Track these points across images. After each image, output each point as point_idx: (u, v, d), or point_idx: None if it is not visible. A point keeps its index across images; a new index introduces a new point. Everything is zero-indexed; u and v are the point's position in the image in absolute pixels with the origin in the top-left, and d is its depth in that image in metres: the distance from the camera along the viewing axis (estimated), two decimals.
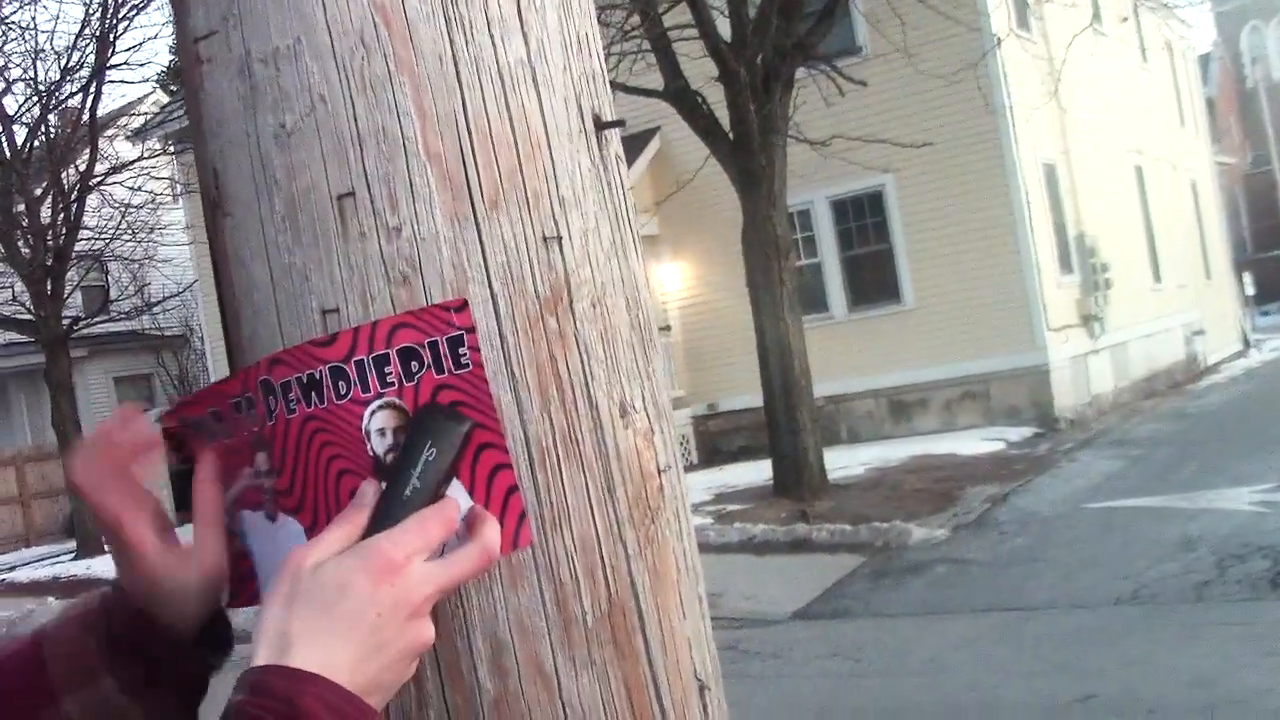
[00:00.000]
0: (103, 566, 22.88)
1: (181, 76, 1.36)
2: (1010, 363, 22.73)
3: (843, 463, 19.83)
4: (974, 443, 21.24)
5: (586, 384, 1.22)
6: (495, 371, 1.17)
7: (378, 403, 1.18)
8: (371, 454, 1.17)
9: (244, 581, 1.34)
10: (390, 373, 1.17)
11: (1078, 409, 23.46)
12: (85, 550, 25.98)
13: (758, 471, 20.23)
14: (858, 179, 22.88)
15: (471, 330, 1.17)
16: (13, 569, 26.57)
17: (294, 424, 1.21)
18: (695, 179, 21.32)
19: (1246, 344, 39.30)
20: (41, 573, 24.60)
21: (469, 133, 1.20)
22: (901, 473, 19.34)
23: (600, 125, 1.32)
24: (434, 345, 1.17)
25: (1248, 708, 7.79)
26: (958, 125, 22.26)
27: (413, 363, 1.17)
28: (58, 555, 27.75)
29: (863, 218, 24.45)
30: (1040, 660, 9.40)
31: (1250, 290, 43.62)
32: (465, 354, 1.16)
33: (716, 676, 1.34)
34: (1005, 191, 22.61)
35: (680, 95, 17.98)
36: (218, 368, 30.50)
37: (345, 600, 1.05)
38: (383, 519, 1.11)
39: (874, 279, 24.34)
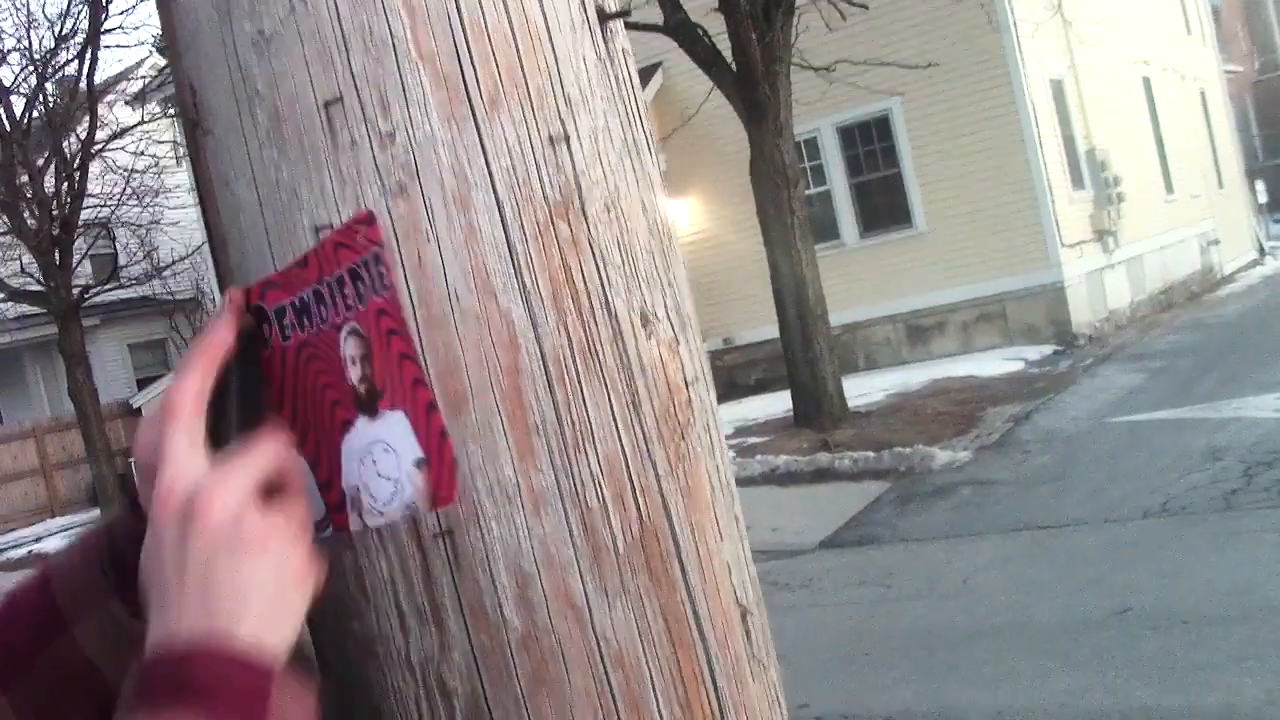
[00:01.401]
0: None
1: None
2: (1026, 281, 22.63)
3: (862, 390, 19.77)
4: (993, 363, 21.16)
5: (604, 293, 1.13)
6: (505, 284, 1.09)
7: (346, 328, 1.10)
8: (349, 382, 1.10)
9: None
10: (349, 295, 1.10)
11: (1095, 324, 23.36)
12: None
13: (777, 403, 20.18)
14: (864, 104, 22.71)
15: (382, 245, 1.08)
16: (39, 540, 26.66)
17: (290, 351, 1.14)
18: (700, 113, 21.18)
19: (1262, 252, 39.13)
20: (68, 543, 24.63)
21: (462, 27, 1.10)
22: (922, 397, 19.28)
23: (604, 17, 1.22)
24: (367, 264, 1.09)
25: None
26: (962, 44, 22.07)
27: (359, 284, 1.09)
28: (82, 525, 27.80)
29: (870, 143, 24.29)
30: (1072, 577, 9.34)
31: (1263, 198, 43.40)
32: (383, 274, 1.09)
33: (758, 600, 1.26)
34: (1013, 109, 22.43)
35: (681, 28, 17.81)
36: None
37: (186, 555, 1.00)
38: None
39: (885, 204, 24.22)
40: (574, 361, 1.11)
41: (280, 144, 1.13)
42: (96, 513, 27.39)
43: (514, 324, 1.09)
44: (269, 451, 1.05)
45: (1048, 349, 22.15)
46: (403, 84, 1.09)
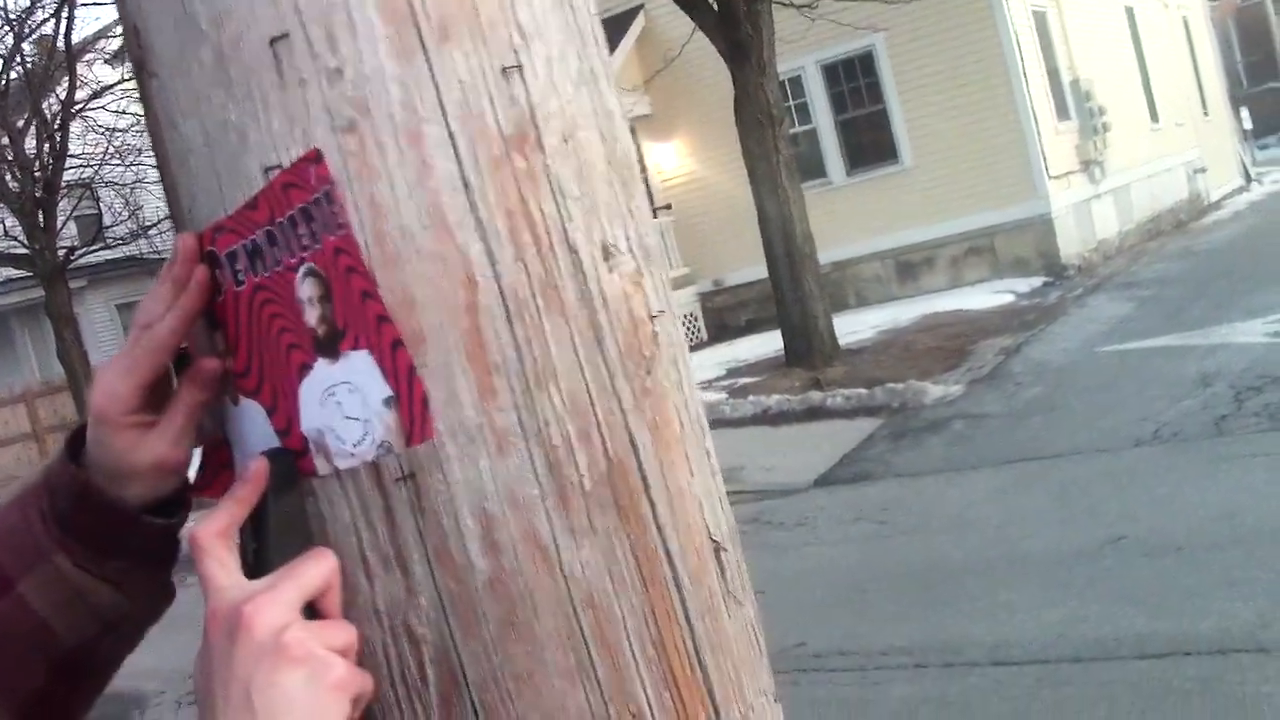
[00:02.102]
0: None
1: None
2: (1013, 214, 22.62)
3: (853, 328, 19.78)
4: (983, 297, 21.18)
5: (563, 226, 1.10)
6: (461, 219, 1.06)
7: (302, 269, 1.07)
8: (307, 325, 1.07)
9: (219, 471, 1.24)
10: (303, 235, 1.07)
11: (1084, 255, 23.36)
12: None
13: (767, 344, 20.19)
14: (847, 41, 22.63)
15: (332, 183, 1.05)
16: None
17: (243, 296, 1.11)
18: (682, 55, 21.10)
19: (1248, 178, 39.08)
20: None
21: None
22: (912, 333, 19.30)
23: None
24: (318, 203, 1.06)
25: (1273, 535, 7.76)
26: None
27: (312, 224, 1.07)
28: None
29: (855, 80, 24.24)
30: (1066, 507, 9.37)
31: (1248, 124, 43.27)
32: (337, 211, 1.06)
33: (733, 537, 1.24)
34: (996, 42, 22.37)
35: None
36: None
37: (228, 681, 1.01)
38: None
39: (870, 141, 24.19)
40: (534, 297, 1.08)
41: (226, 84, 1.10)
42: None
43: (471, 261, 1.06)
44: (314, 571, 1.06)
45: (1037, 281, 22.16)
46: (351, 18, 1.06)
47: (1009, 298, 21.07)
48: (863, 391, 15.37)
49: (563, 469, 1.09)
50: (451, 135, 1.07)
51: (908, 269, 24.07)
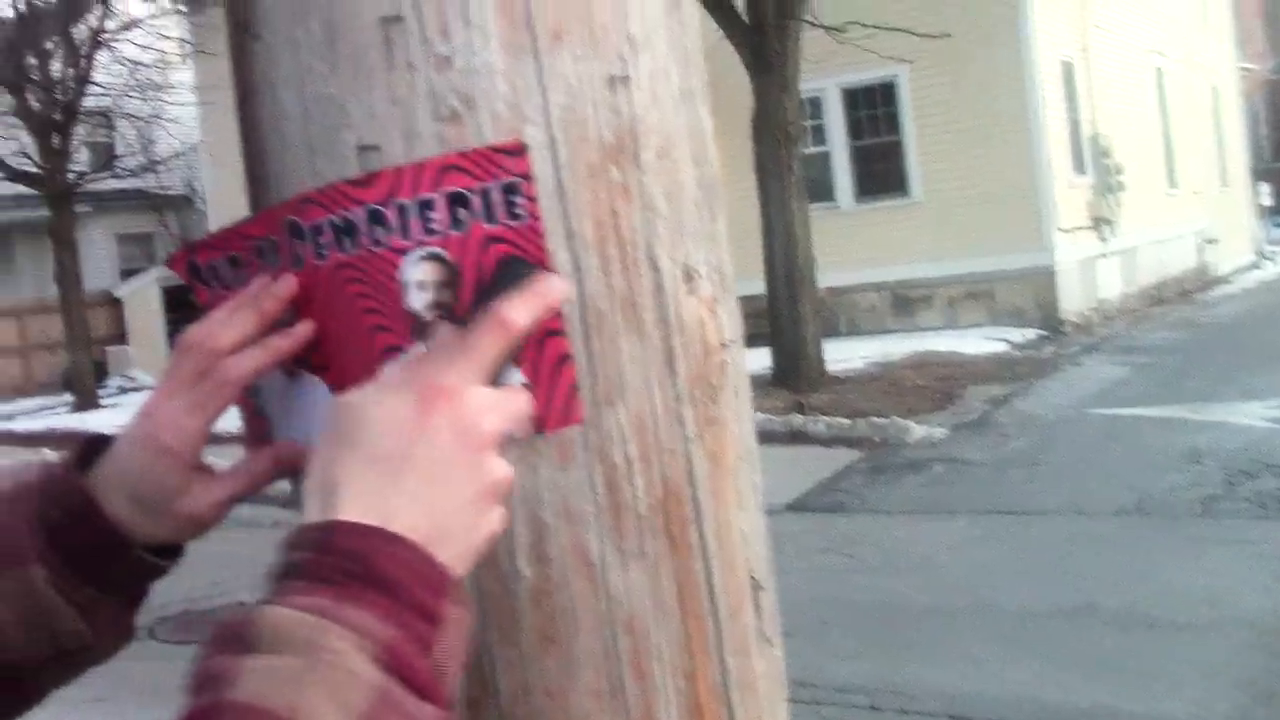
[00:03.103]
0: (97, 421, 22.97)
1: None
2: (1017, 262, 22.62)
3: (843, 355, 19.76)
4: (977, 342, 21.18)
5: (649, 244, 1.10)
6: (552, 225, 1.05)
7: (420, 253, 1.05)
8: (408, 308, 1.05)
9: (252, 442, 1.22)
10: (435, 219, 1.05)
11: (1084, 313, 23.38)
12: (82, 404, 26.22)
13: (756, 360, 20.15)
14: (872, 68, 22.60)
15: (528, 177, 1.04)
16: (11, 418, 26.68)
17: (324, 271, 1.09)
18: (705, 59, 21.09)
19: (1261, 256, 38.93)
20: (38, 424, 24.76)
21: None
22: (902, 368, 19.29)
23: None
24: (486, 192, 1.04)
25: (1256, 629, 7.70)
26: (976, 18, 21.97)
27: (461, 210, 1.04)
28: (54, 407, 27.93)
29: (874, 108, 24.25)
30: (1039, 565, 9.36)
31: (1267, 200, 43.02)
32: (520, 204, 1.04)
33: (770, 574, 1.23)
34: (1020, 88, 22.38)
35: None
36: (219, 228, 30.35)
37: (392, 436, 0.94)
38: None
39: (883, 170, 24.20)
40: (613, 312, 1.07)
41: (333, 58, 1.08)
42: (69, 397, 27.44)
43: (556, 268, 1.05)
44: (496, 337, 1.01)
45: (1033, 333, 22.16)
46: (466, 9, 1.05)
47: (1003, 346, 21.07)
48: (845, 421, 15.36)
49: (620, 489, 1.08)
50: (552, 139, 1.06)
51: (904, 303, 24.08)
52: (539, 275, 1.04)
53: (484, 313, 1.01)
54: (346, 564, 0.88)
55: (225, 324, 1.14)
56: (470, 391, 0.96)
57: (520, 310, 1.01)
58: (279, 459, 1.16)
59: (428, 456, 0.94)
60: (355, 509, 0.91)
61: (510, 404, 1.00)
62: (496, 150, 1.04)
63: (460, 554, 0.94)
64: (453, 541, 0.93)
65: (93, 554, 1.12)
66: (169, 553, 1.17)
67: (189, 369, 1.14)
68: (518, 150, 1.04)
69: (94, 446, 1.17)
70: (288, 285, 1.13)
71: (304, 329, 1.13)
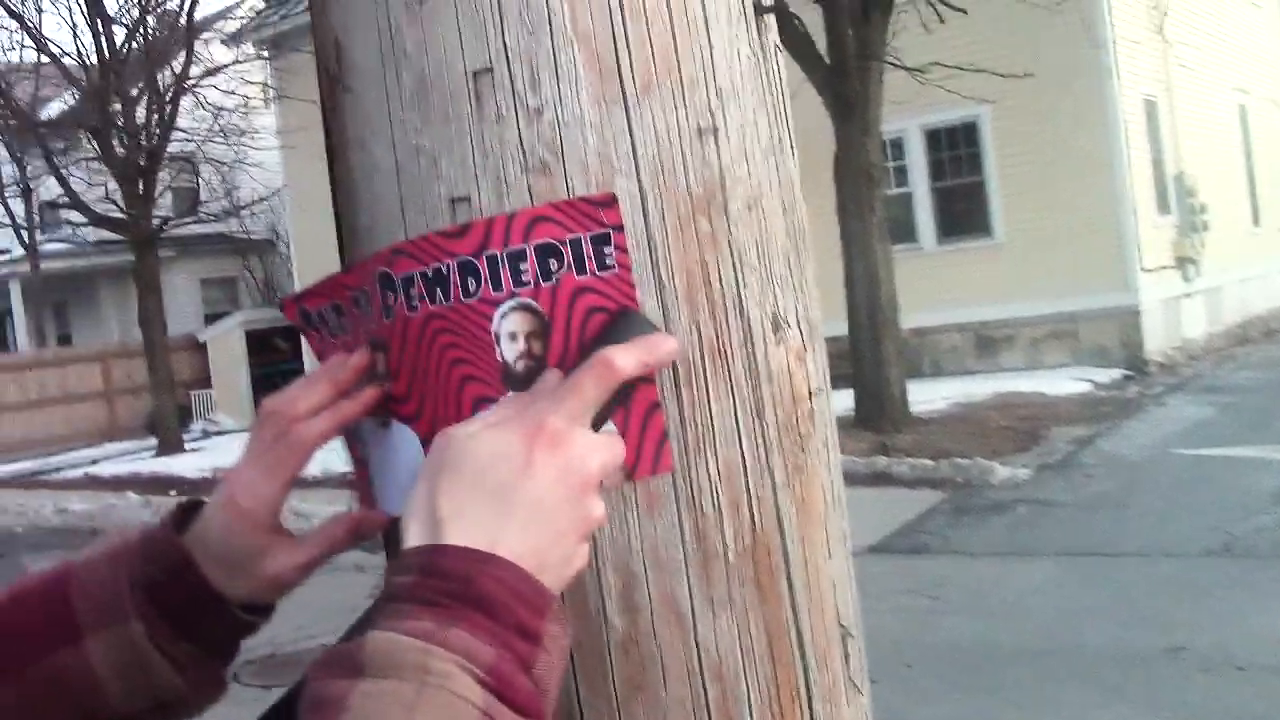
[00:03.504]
0: (180, 466, 23.19)
1: None
2: (1101, 302, 22.41)
3: (925, 396, 19.64)
4: (1060, 382, 20.99)
5: (739, 294, 1.10)
6: (641, 276, 1.06)
7: (510, 304, 1.06)
8: (500, 360, 1.06)
9: (366, 491, 1.24)
10: (526, 271, 1.06)
11: (1168, 352, 23.13)
12: (165, 448, 26.40)
13: (839, 401, 19.95)
14: (953, 109, 22.50)
15: (619, 228, 1.05)
16: (95, 462, 26.96)
17: (414, 323, 1.10)
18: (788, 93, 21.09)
19: None
20: (123, 468, 24.94)
21: (621, 8, 1.08)
22: (985, 409, 19.15)
23: (760, 9, 1.20)
24: (576, 243, 1.05)
25: None
26: (1058, 57, 21.83)
27: (551, 261, 1.05)
28: (138, 452, 28.14)
29: (956, 148, 24.14)
30: (1125, 608, 9.24)
31: None
32: (610, 254, 1.05)
33: (859, 623, 1.23)
34: (1104, 127, 22.22)
35: (777, 18, 17.71)
36: (303, 273, 30.65)
37: (500, 470, 0.96)
38: None
39: (964, 211, 24.06)
40: (703, 362, 1.08)
41: (424, 109, 1.10)
42: (153, 442, 27.68)
43: (646, 318, 1.06)
44: (600, 378, 1.02)
45: (1117, 373, 21.94)
46: (555, 61, 1.06)
47: (1086, 386, 20.87)
48: (929, 462, 15.27)
49: (709, 537, 1.08)
50: (642, 190, 1.07)
51: (987, 344, 23.92)
52: (653, 330, 1.06)
53: (591, 357, 1.03)
54: (450, 585, 0.90)
55: (302, 392, 1.19)
56: (575, 432, 0.99)
57: (626, 357, 1.03)
58: (357, 526, 1.20)
59: (533, 491, 0.96)
60: (460, 536, 0.94)
61: (611, 449, 1.01)
62: (587, 201, 1.05)
63: (553, 585, 0.96)
64: (549, 574, 0.95)
65: (189, 611, 1.16)
66: (259, 610, 1.21)
67: (267, 435, 1.19)
68: (608, 202, 1.05)
69: (191, 508, 1.21)
70: (361, 358, 1.18)
71: (370, 393, 1.17)
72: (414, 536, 0.95)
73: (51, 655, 1.13)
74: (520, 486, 0.96)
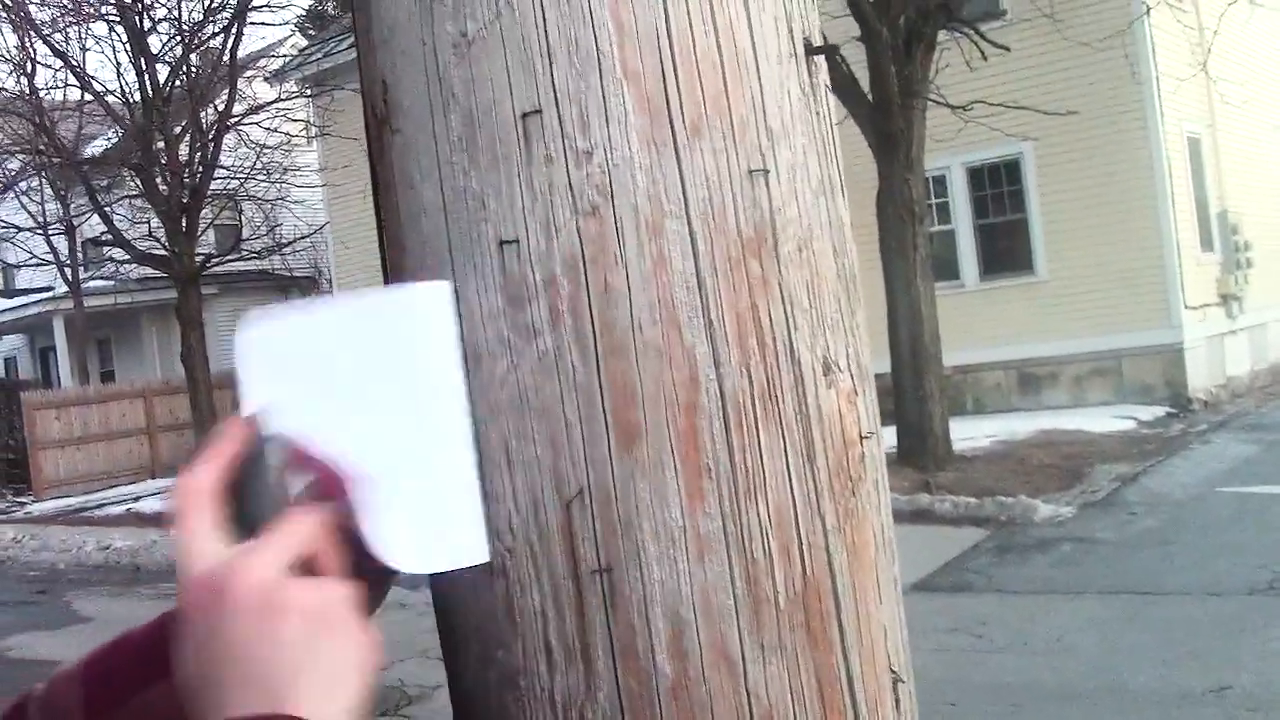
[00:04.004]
0: None
1: None
2: (1144, 340, 22.29)
3: (968, 434, 19.54)
4: (1103, 420, 20.85)
5: (789, 336, 1.09)
6: (690, 318, 1.05)
7: None
8: None
9: None
10: None
11: (1212, 390, 22.97)
12: None
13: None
14: (996, 146, 22.46)
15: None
16: (138, 499, 27.03)
17: None
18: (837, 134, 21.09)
19: None
20: (165, 505, 24.92)
21: (670, 49, 1.07)
22: (1028, 447, 19.03)
23: (811, 50, 1.18)
24: None
25: None
26: (1101, 94, 21.77)
27: None
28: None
29: (999, 185, 24.06)
30: (1171, 647, 9.16)
31: None
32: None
33: (908, 667, 1.21)
34: (1147, 164, 22.11)
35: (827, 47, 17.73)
36: None
37: (253, 654, 0.94)
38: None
39: (1007, 248, 23.97)
40: (753, 405, 1.07)
41: (472, 151, 1.09)
42: None
43: (696, 361, 1.05)
44: (298, 531, 0.98)
45: (1160, 410, 21.78)
46: (605, 102, 1.06)
47: (1130, 424, 20.73)
48: (972, 500, 15.18)
49: (760, 583, 1.07)
50: (692, 232, 1.06)
51: (1030, 381, 23.80)
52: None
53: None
54: None
55: None
56: (250, 574, 0.95)
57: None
58: None
59: (263, 649, 0.94)
60: (235, 710, 0.92)
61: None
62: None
63: (343, 701, 0.95)
64: (330, 693, 0.94)
65: None
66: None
67: None
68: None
69: None
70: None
71: None
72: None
73: (145, 690, 1.12)
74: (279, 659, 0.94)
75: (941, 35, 17.76)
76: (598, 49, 1.06)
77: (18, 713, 1.16)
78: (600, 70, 1.05)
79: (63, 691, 1.15)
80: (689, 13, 1.08)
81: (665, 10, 1.07)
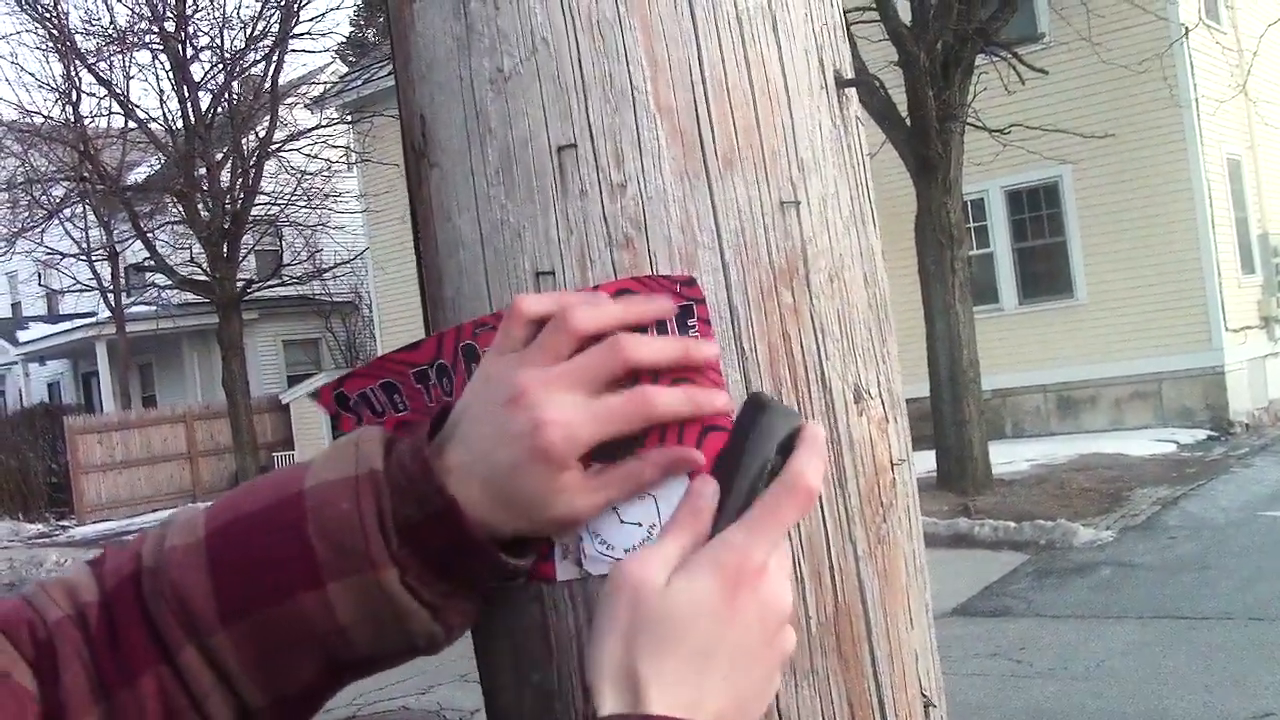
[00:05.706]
0: None
1: (389, 17, 1.26)
2: (1184, 363, 22.20)
3: (1007, 458, 19.51)
4: (1143, 443, 20.77)
5: (820, 365, 1.11)
6: (723, 347, 1.07)
7: None
8: None
9: None
10: None
11: (1254, 413, 22.85)
12: None
13: (920, 463, 19.84)
14: (1034, 169, 22.43)
15: (702, 302, 1.06)
16: None
17: None
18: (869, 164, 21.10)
19: None
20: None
21: (703, 83, 1.09)
22: (1067, 471, 18.98)
23: (841, 83, 1.20)
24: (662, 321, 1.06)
25: None
26: (1140, 117, 21.74)
27: (635, 332, 1.05)
28: None
29: (1037, 209, 24.02)
30: (1212, 672, 9.11)
31: None
32: (694, 327, 1.05)
33: (941, 692, 1.23)
34: (1187, 186, 22.04)
35: (858, 80, 17.74)
36: (385, 334, 30.88)
37: (701, 625, 0.91)
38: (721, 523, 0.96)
39: (1046, 272, 23.92)
40: None
41: (509, 184, 1.11)
42: None
43: (729, 390, 1.06)
44: (798, 501, 0.97)
45: (1201, 434, 21.68)
46: (639, 136, 1.08)
47: (1170, 447, 20.65)
48: (1011, 524, 15.14)
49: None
50: (724, 263, 1.08)
51: (1069, 405, 23.73)
52: (808, 427, 0.99)
53: (783, 478, 0.97)
54: None
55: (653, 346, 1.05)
56: (771, 564, 0.95)
57: (819, 477, 0.98)
58: (671, 465, 1.06)
59: (736, 640, 0.92)
60: (663, 702, 0.89)
61: (788, 569, 0.99)
62: (670, 280, 1.06)
63: None
64: (748, 715, 0.93)
65: (452, 555, 1.05)
66: (524, 548, 1.09)
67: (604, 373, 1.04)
68: (689, 282, 1.06)
69: (437, 426, 1.09)
70: (712, 349, 1.07)
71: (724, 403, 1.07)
72: (610, 702, 0.90)
73: (289, 599, 1.04)
74: (724, 638, 0.92)
75: (979, 59, 17.77)
76: (631, 83, 1.08)
77: (132, 582, 1.09)
78: (634, 104, 1.08)
79: (185, 580, 1.07)
80: (721, 47, 1.10)
81: (698, 45, 1.09)
